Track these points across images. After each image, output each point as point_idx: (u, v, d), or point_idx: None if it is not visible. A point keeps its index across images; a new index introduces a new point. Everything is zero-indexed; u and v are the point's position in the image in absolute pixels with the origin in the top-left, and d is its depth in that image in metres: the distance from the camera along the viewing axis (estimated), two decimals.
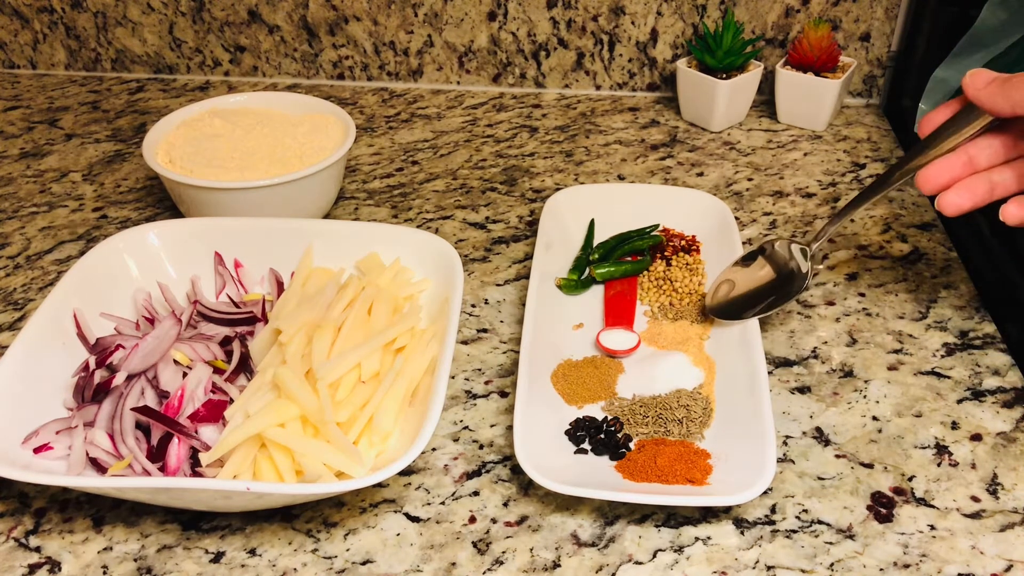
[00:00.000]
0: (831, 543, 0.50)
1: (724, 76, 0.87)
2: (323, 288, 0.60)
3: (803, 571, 0.48)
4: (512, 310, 0.68)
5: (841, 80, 0.86)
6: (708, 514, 0.51)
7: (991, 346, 0.62)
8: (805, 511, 0.51)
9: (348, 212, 0.80)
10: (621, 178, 0.84)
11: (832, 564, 0.49)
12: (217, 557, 0.50)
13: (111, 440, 0.52)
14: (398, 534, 0.51)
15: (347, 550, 0.50)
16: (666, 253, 0.70)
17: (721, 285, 0.63)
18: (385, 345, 0.56)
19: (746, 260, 0.64)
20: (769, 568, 0.48)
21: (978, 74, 0.51)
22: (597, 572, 0.49)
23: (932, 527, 0.50)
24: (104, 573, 0.50)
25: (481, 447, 0.57)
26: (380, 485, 0.54)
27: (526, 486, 0.54)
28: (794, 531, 0.50)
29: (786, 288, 0.61)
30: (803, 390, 0.60)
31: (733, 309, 0.61)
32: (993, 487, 0.53)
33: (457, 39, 0.97)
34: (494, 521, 0.52)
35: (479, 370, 0.62)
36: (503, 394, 0.60)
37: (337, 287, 0.60)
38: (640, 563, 0.49)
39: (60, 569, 0.50)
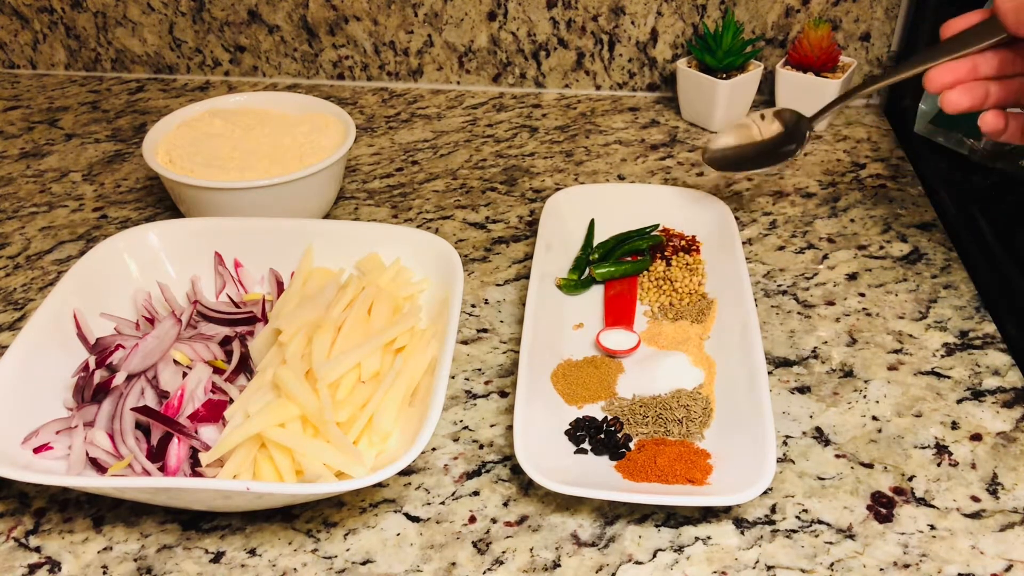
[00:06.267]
0: (831, 543, 0.50)
1: (724, 76, 0.87)
2: (323, 288, 0.60)
3: (803, 571, 0.48)
4: (512, 310, 0.68)
5: (841, 80, 0.86)
6: (708, 514, 0.51)
7: (991, 346, 0.62)
8: (805, 511, 0.52)
9: (348, 212, 0.80)
10: (621, 178, 0.84)
11: (832, 564, 0.49)
12: (217, 557, 0.50)
13: (111, 440, 0.52)
14: (398, 534, 0.51)
15: (347, 550, 0.50)
16: (666, 253, 0.70)
17: (720, 139, 0.73)
18: (385, 345, 0.56)
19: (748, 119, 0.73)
20: (769, 568, 0.48)
21: None
22: (597, 572, 0.49)
23: (932, 527, 0.50)
24: (104, 573, 0.50)
25: (481, 447, 0.57)
26: (380, 485, 0.54)
27: (526, 486, 0.54)
28: (794, 531, 0.50)
29: (783, 149, 0.71)
30: (803, 390, 0.60)
31: (728, 162, 0.72)
32: (993, 487, 0.53)
33: (457, 39, 0.97)
34: (494, 521, 0.52)
35: (479, 370, 0.62)
36: (503, 394, 0.60)
37: (337, 287, 0.61)
38: (640, 563, 0.49)
39: (60, 569, 0.50)
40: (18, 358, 0.54)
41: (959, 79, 0.58)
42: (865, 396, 0.59)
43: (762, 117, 0.73)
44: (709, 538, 0.50)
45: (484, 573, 0.49)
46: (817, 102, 0.87)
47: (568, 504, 0.52)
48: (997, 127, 0.58)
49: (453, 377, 0.62)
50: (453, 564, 0.49)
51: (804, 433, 0.56)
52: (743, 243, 0.73)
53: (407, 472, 0.55)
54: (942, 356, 0.62)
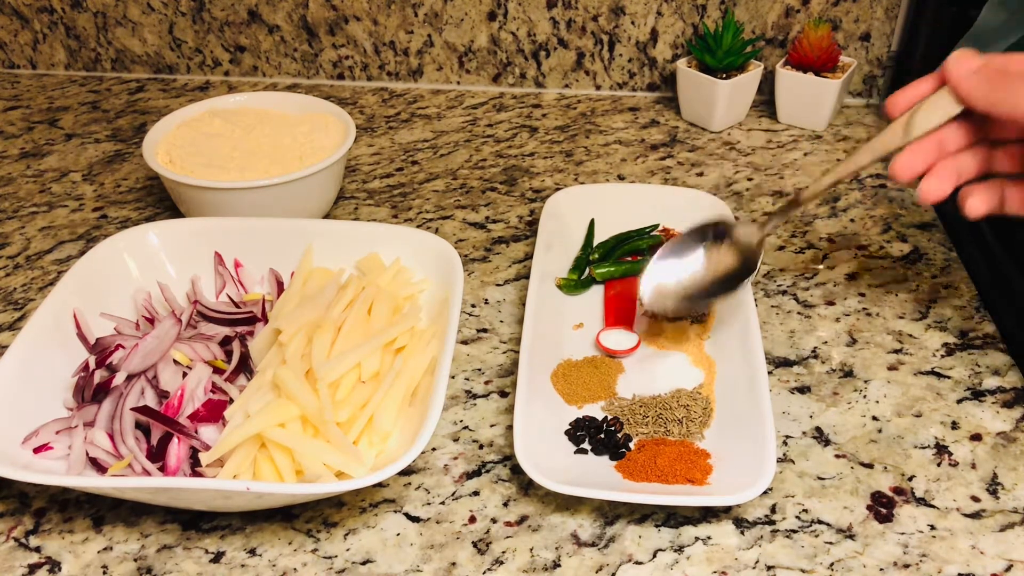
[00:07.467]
0: (831, 543, 0.50)
1: (724, 76, 0.87)
2: (323, 288, 0.60)
3: (803, 571, 0.48)
4: (512, 310, 0.68)
5: (841, 80, 0.86)
6: (708, 514, 0.51)
7: (991, 346, 0.62)
8: (805, 511, 0.52)
9: (348, 212, 0.80)
10: (621, 178, 0.84)
11: (832, 564, 0.49)
12: (217, 557, 0.50)
13: (111, 440, 0.52)
14: (398, 534, 0.51)
15: (347, 550, 0.50)
16: None
17: (660, 280, 0.59)
18: (385, 345, 0.56)
19: (689, 244, 0.60)
20: (769, 568, 0.48)
21: (963, 60, 0.49)
22: (597, 572, 0.49)
23: (932, 527, 0.50)
24: (104, 573, 0.50)
25: (481, 447, 0.57)
26: (380, 485, 0.54)
27: (526, 486, 0.54)
28: (794, 531, 0.50)
29: (740, 273, 0.58)
30: (803, 390, 0.60)
31: (686, 301, 0.59)
32: (993, 487, 0.53)
33: (457, 39, 0.97)
34: (494, 521, 0.52)
35: (479, 370, 0.62)
36: (503, 394, 0.60)
37: (337, 287, 0.61)
38: (640, 563, 0.49)
39: (60, 569, 0.50)
40: (18, 358, 0.54)
41: (929, 162, 0.51)
42: (865, 396, 0.59)
43: (699, 244, 0.61)
44: (709, 538, 0.50)
45: (484, 573, 0.49)
46: (817, 102, 0.88)
47: (568, 504, 0.52)
48: (991, 206, 0.52)
49: (453, 377, 0.62)
50: (453, 564, 0.49)
51: (804, 433, 0.56)
52: None
53: (407, 472, 0.55)
54: (942, 356, 0.62)
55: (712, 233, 0.60)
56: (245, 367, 0.57)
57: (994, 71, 0.48)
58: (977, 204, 0.52)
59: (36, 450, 0.51)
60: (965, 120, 0.51)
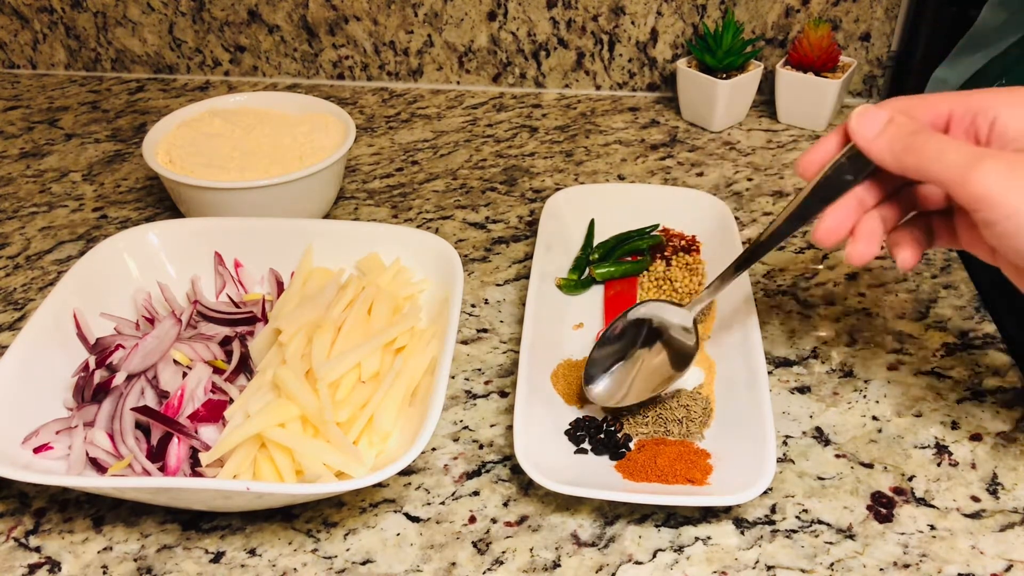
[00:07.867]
0: (831, 543, 0.50)
1: (724, 76, 0.87)
2: (323, 288, 0.60)
3: (803, 571, 0.48)
4: (512, 310, 0.68)
5: (841, 80, 0.86)
6: (708, 514, 0.51)
7: (991, 346, 0.62)
8: (805, 511, 0.52)
9: (348, 212, 0.80)
10: (621, 178, 0.84)
11: (832, 564, 0.49)
12: (217, 557, 0.50)
13: (111, 440, 0.52)
14: (398, 534, 0.51)
15: (347, 550, 0.50)
16: (666, 253, 0.70)
17: (606, 371, 0.57)
18: (385, 345, 0.56)
19: (621, 340, 0.58)
20: (769, 568, 0.48)
21: (867, 118, 0.46)
22: (597, 572, 0.49)
23: (932, 527, 0.50)
24: (104, 573, 0.50)
25: (481, 447, 0.57)
26: (380, 485, 0.54)
27: (526, 486, 0.54)
28: (794, 531, 0.50)
29: (679, 360, 0.56)
30: (803, 390, 0.60)
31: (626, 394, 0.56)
32: (993, 487, 0.53)
33: (457, 39, 0.97)
34: (494, 521, 0.52)
35: (479, 370, 0.62)
36: (503, 394, 0.60)
37: (337, 287, 0.61)
38: (640, 563, 0.49)
39: (60, 569, 0.50)
40: (18, 358, 0.54)
41: (852, 223, 0.48)
42: (865, 396, 0.59)
43: (632, 350, 0.58)
44: (709, 538, 0.50)
45: (484, 573, 0.49)
46: (817, 102, 0.88)
47: (568, 504, 0.52)
48: (921, 250, 0.49)
49: (453, 377, 0.62)
50: (453, 564, 0.49)
51: (804, 433, 0.56)
52: (743, 243, 0.73)
53: (407, 472, 0.55)
54: (942, 356, 0.62)
55: (644, 330, 0.58)
56: (245, 367, 0.57)
57: (900, 129, 0.45)
58: (908, 256, 0.49)
59: (36, 450, 0.51)
60: (881, 172, 0.47)
